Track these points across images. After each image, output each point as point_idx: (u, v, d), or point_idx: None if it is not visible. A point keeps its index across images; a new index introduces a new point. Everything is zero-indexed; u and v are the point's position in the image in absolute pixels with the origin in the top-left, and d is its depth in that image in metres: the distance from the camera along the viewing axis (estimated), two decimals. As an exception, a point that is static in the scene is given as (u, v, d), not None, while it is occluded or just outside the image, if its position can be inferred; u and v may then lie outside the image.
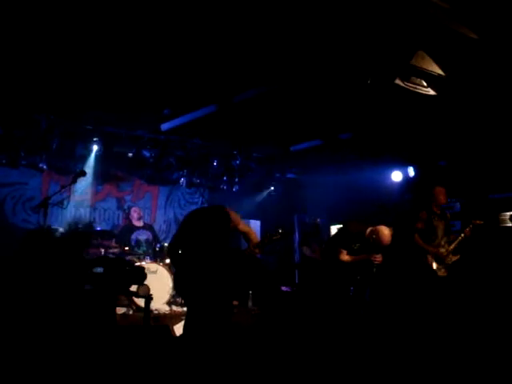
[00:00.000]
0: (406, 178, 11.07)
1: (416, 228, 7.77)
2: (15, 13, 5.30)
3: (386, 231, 6.91)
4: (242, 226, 5.89)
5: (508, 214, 9.71)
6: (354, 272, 7.21)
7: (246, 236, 5.87)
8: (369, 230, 7.01)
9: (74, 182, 8.58)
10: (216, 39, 5.85)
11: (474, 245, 8.13)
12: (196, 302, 5.52)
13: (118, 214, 11.14)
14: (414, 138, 9.36)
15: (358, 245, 7.13)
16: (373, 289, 7.26)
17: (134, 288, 6.41)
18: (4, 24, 5.53)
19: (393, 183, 11.29)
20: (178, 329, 6.74)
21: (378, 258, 7.03)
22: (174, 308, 8.68)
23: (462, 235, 7.77)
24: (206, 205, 11.79)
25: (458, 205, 10.32)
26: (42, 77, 7.12)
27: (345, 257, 7.10)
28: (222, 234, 5.67)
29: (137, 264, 8.61)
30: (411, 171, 10.89)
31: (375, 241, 6.89)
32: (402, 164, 11.05)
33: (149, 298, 5.85)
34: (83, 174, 8.45)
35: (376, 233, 6.90)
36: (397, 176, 11.20)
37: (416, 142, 9.73)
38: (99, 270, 6.06)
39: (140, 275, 6.07)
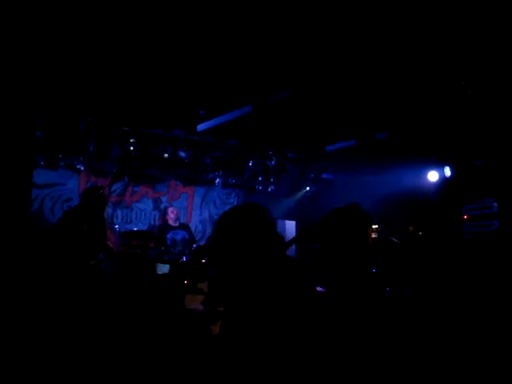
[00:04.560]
0: (443, 178, 10.89)
1: None
2: (56, 20, 5.41)
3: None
4: None
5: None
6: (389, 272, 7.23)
7: None
8: None
9: (112, 183, 8.65)
10: (251, 41, 5.89)
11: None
12: (234, 305, 5.52)
13: (155, 215, 11.22)
14: (451, 137, 9.26)
15: None
16: (411, 288, 7.22)
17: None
18: (42, 30, 5.64)
19: (429, 183, 11.14)
20: (215, 328, 6.77)
21: None
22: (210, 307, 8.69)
23: None
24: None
25: (495, 205, 10.15)
26: (79, 80, 7.23)
27: None
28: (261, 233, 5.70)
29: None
30: (448, 171, 10.71)
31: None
32: (438, 164, 10.89)
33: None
34: (121, 175, 8.51)
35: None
36: (433, 176, 11.04)
37: (452, 142, 9.62)
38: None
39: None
